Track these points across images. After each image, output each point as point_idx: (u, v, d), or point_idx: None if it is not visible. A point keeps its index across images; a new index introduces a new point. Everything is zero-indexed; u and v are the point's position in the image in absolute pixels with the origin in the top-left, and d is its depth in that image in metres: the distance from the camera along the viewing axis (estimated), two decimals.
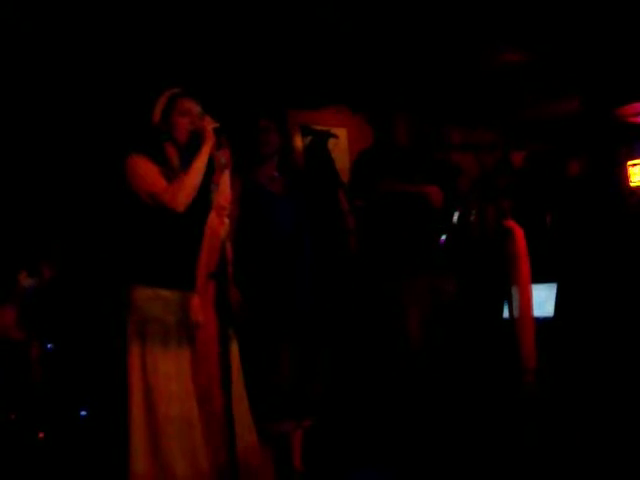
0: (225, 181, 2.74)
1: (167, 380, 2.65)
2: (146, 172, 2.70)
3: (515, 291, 3.76)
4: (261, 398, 3.05)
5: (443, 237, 3.80)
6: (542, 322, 4.14)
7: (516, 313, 3.70)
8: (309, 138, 4.25)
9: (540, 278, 4.15)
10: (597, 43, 5.33)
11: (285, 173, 3.53)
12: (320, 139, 3.55)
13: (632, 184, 7.70)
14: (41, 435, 3.96)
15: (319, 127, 3.90)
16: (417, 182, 3.68)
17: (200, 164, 2.69)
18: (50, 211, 4.40)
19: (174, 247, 2.74)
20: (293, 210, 3.45)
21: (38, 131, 4.41)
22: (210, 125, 2.70)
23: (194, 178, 2.69)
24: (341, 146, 4.41)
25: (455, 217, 3.92)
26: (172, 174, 2.76)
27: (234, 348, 2.83)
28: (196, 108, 2.82)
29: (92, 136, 4.40)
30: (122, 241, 2.88)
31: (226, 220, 2.67)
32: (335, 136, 3.56)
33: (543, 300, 4.44)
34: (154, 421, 2.64)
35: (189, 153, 2.75)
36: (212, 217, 2.65)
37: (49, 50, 4.13)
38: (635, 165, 7.78)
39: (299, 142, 5.15)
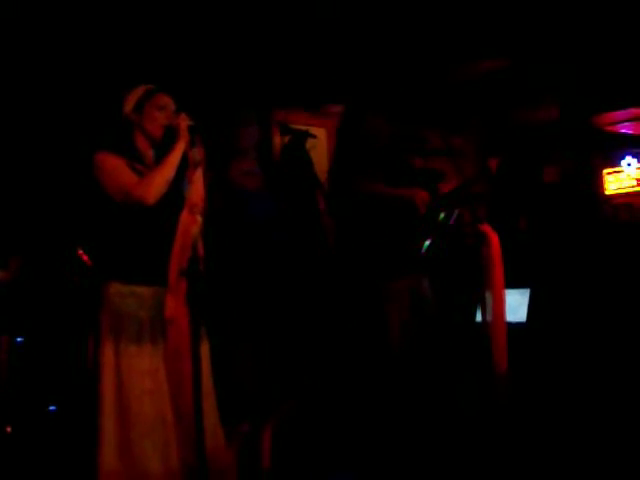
0: (198, 179, 2.73)
1: (140, 377, 2.64)
2: (114, 168, 2.70)
3: (489, 295, 3.77)
4: (229, 397, 3.04)
5: (427, 243, 3.81)
6: (515, 327, 4.16)
7: (489, 317, 3.71)
8: (287, 137, 4.25)
9: (513, 283, 4.17)
10: (575, 52, 5.38)
11: (263, 168, 3.51)
12: (298, 138, 3.55)
13: (607, 192, 7.79)
14: (8, 429, 3.92)
15: (298, 126, 3.90)
16: (402, 185, 3.68)
17: (173, 159, 2.69)
18: (19, 205, 4.35)
19: (147, 243, 2.73)
20: (270, 207, 3.43)
21: (6, 125, 4.35)
22: (185, 122, 2.70)
23: (166, 172, 2.68)
24: (319, 146, 4.40)
25: (438, 221, 3.92)
26: (144, 168, 2.76)
27: (205, 347, 2.81)
28: (172, 105, 2.82)
29: (61, 130, 4.36)
30: (95, 237, 2.87)
31: (198, 218, 2.66)
32: (313, 136, 3.56)
33: (516, 305, 4.47)
34: (126, 417, 2.62)
35: (163, 149, 2.74)
36: (184, 214, 2.63)
37: (18, 44, 4.09)
38: (611, 173, 7.87)
39: (277, 141, 5.14)
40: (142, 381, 2.64)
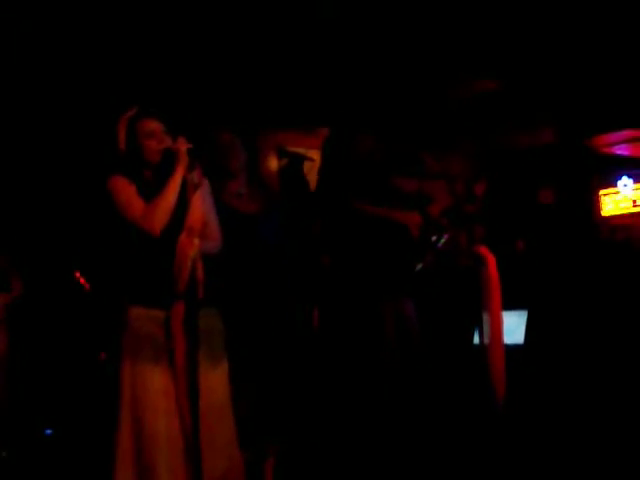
0: (197, 202, 2.73)
1: (156, 396, 2.67)
2: (124, 194, 2.74)
3: (486, 317, 3.77)
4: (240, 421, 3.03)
5: (419, 266, 3.80)
6: (512, 349, 4.15)
7: (486, 340, 3.71)
8: (285, 160, 4.26)
9: (511, 305, 4.17)
10: (571, 74, 5.42)
11: (255, 191, 3.50)
12: (296, 161, 3.56)
13: (604, 213, 7.81)
14: (4, 454, 3.90)
15: (295, 149, 3.92)
16: (392, 207, 3.68)
17: (174, 186, 2.70)
18: (24, 225, 4.36)
19: (163, 268, 2.73)
20: (265, 228, 3.42)
21: (14, 145, 4.38)
22: (183, 146, 2.70)
23: (168, 199, 2.70)
24: (317, 169, 4.42)
25: (430, 244, 3.92)
26: (150, 192, 2.76)
27: (223, 367, 2.84)
28: (159, 127, 2.80)
29: (73, 152, 4.38)
30: (114, 261, 2.90)
31: (196, 241, 2.66)
32: (311, 159, 3.57)
33: (513, 327, 4.46)
34: (141, 436, 2.65)
35: (162, 173, 2.75)
36: (182, 237, 2.65)
37: (22, 68, 4.12)
38: (607, 195, 7.90)
39: (275, 164, 5.16)
40: (156, 400, 2.67)
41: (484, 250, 3.81)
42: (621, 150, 7.19)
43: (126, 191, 2.74)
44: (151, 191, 2.76)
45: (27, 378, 4.17)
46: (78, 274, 4.15)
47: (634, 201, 7.85)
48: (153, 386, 2.68)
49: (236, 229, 3.23)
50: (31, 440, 4.07)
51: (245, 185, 3.45)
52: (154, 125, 2.81)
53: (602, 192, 7.91)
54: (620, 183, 7.90)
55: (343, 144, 3.79)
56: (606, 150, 7.06)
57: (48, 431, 4.17)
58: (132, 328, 2.74)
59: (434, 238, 3.75)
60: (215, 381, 2.75)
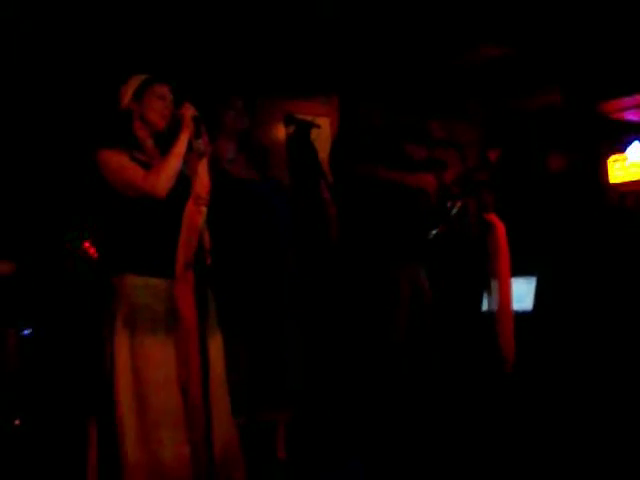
0: (203, 169, 2.71)
1: (155, 367, 2.65)
2: (119, 164, 2.68)
3: (495, 284, 3.77)
4: (241, 390, 3.04)
5: (434, 232, 3.79)
6: (521, 315, 4.16)
7: (495, 306, 3.72)
8: (292, 127, 4.23)
9: (520, 272, 4.17)
10: (580, 37, 5.35)
11: (251, 157, 3.48)
12: (303, 128, 3.53)
13: (613, 180, 7.76)
14: (17, 422, 3.93)
15: (302, 116, 3.89)
16: (411, 172, 3.65)
17: (179, 150, 2.67)
18: (21, 198, 4.34)
19: (159, 235, 2.72)
20: (259, 194, 3.39)
21: (5, 122, 4.33)
22: (189, 112, 2.68)
23: (173, 163, 2.67)
24: (324, 136, 4.39)
25: (444, 211, 3.91)
26: (147, 158, 2.74)
27: (218, 339, 2.83)
28: (170, 94, 2.81)
29: (59, 127, 4.34)
30: (106, 230, 2.86)
31: (203, 209, 2.65)
32: (318, 126, 3.54)
33: (522, 294, 4.46)
34: (143, 409, 2.63)
35: (167, 139, 2.73)
36: (189, 206, 2.63)
37: (14, 39, 4.07)
38: (616, 161, 7.83)
39: (281, 131, 5.13)
40: (156, 372, 2.64)
41: (493, 217, 3.81)
42: (631, 115, 7.11)
43: (121, 160, 2.68)
44: (150, 156, 2.75)
45: (37, 347, 4.19)
46: (87, 244, 4.14)
47: None
48: (154, 357, 2.64)
49: (228, 192, 3.21)
50: (45, 410, 4.09)
51: (235, 151, 3.42)
52: (165, 91, 2.80)
53: (612, 158, 7.85)
54: (630, 149, 7.83)
55: (352, 112, 3.77)
56: (616, 115, 6.99)
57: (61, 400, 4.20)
58: (127, 298, 2.68)
59: (448, 204, 3.74)
60: (213, 353, 2.71)
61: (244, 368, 3.18)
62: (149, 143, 2.82)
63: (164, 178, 2.65)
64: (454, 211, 3.80)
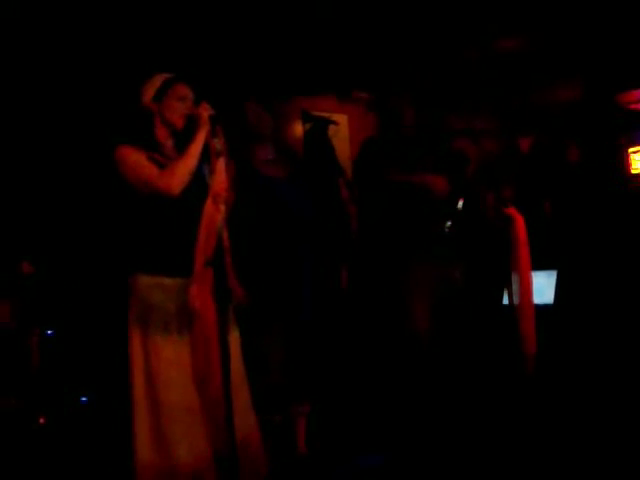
0: (220, 168, 2.71)
1: (167, 366, 2.67)
2: (136, 161, 2.70)
3: (515, 278, 3.75)
4: (261, 384, 3.06)
5: (448, 224, 3.79)
6: (542, 309, 4.14)
7: (516, 300, 3.69)
8: (309, 124, 4.24)
9: (540, 265, 4.14)
10: (600, 29, 5.30)
11: (284, 156, 3.50)
12: (320, 126, 3.54)
13: (633, 171, 7.68)
14: (42, 421, 3.97)
15: (320, 114, 3.89)
16: (426, 171, 3.65)
17: (195, 149, 2.69)
18: (42, 200, 4.37)
19: (173, 235, 2.74)
20: (294, 194, 3.42)
21: (21, 123, 4.36)
22: (206, 112, 2.69)
23: (189, 162, 2.69)
24: (342, 133, 4.40)
25: (460, 205, 3.90)
26: (164, 159, 2.76)
27: (235, 335, 2.84)
28: (191, 95, 2.82)
29: (77, 126, 4.36)
30: (121, 230, 2.88)
31: (222, 207, 2.66)
32: (335, 123, 3.55)
33: (543, 287, 4.44)
34: (156, 407, 2.66)
35: (184, 139, 2.74)
36: (208, 204, 2.64)
37: (32, 38, 4.10)
38: (636, 152, 7.75)
39: (299, 128, 5.13)
40: (168, 370, 2.67)
41: (513, 211, 3.79)
42: None
43: (137, 157, 2.70)
44: (167, 156, 2.76)
45: (61, 347, 4.22)
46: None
47: None
48: (166, 356, 2.67)
49: (267, 194, 3.24)
50: (67, 407, 4.13)
51: (273, 151, 3.44)
52: (187, 91, 2.82)
53: (631, 149, 7.77)
54: None
55: (389, 111, 3.76)
56: (635, 106, 6.92)
57: (83, 399, 4.24)
58: (140, 297, 2.71)
59: (464, 199, 3.73)
60: (232, 349, 2.70)
61: (275, 366, 3.20)
62: (169, 143, 2.84)
63: (178, 177, 2.67)
64: (460, 205, 3.79)
